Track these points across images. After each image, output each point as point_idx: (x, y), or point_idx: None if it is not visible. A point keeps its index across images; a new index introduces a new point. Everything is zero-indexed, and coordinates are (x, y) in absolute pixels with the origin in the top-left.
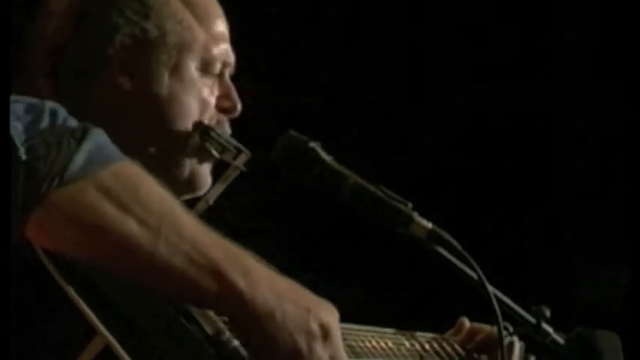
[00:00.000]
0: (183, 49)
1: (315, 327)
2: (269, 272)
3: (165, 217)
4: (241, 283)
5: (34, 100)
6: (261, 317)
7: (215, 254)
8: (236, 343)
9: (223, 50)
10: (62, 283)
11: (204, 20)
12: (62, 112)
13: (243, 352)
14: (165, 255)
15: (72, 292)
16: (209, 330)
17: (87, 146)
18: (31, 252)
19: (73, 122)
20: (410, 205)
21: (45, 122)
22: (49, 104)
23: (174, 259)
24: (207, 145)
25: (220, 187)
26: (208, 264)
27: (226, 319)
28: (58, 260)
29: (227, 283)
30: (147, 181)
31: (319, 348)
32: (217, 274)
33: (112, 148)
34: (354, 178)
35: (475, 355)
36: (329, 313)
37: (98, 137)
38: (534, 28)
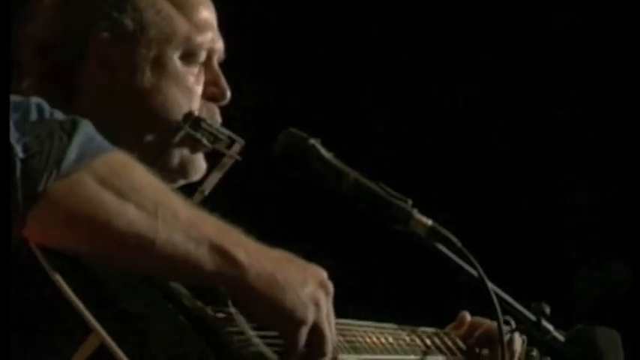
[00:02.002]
0: (163, 40)
1: (315, 283)
2: (258, 244)
3: (160, 200)
4: (241, 254)
5: (18, 98)
6: (264, 283)
7: (211, 230)
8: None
9: (208, 38)
10: (57, 280)
11: (185, 9)
12: (46, 105)
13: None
14: (165, 236)
15: (67, 290)
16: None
17: (78, 139)
18: (27, 250)
19: (59, 115)
20: (410, 202)
21: (33, 117)
22: (34, 99)
23: (174, 238)
24: (199, 135)
25: (216, 177)
26: (207, 240)
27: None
28: (53, 257)
29: (228, 257)
30: (138, 168)
31: (324, 301)
32: (217, 248)
33: (100, 139)
34: (354, 174)
35: (476, 349)
36: (321, 271)
37: (87, 129)
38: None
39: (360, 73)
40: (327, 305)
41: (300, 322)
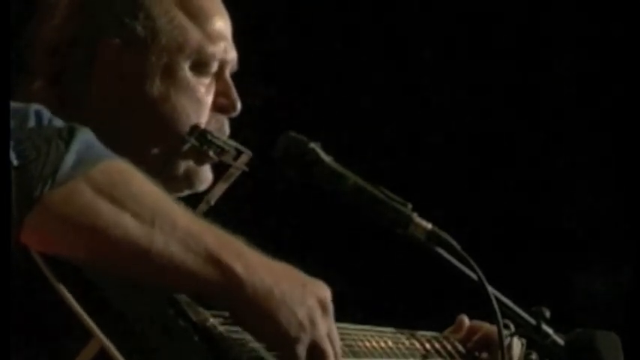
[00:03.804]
0: (174, 49)
1: (312, 301)
2: (259, 255)
3: (157, 209)
4: (238, 266)
5: (18, 104)
6: (261, 297)
7: (209, 240)
8: (222, 328)
9: (220, 49)
10: (58, 286)
11: (198, 18)
12: (46, 112)
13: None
14: (162, 246)
15: (67, 296)
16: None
17: (75, 146)
18: (27, 256)
19: (58, 122)
20: (410, 206)
21: (31, 125)
22: (34, 106)
23: (170, 248)
24: (205, 148)
25: (222, 188)
26: (204, 251)
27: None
28: (53, 263)
29: (225, 268)
30: (136, 176)
31: (320, 320)
32: (214, 260)
33: (99, 146)
34: (353, 178)
35: (476, 353)
36: (323, 289)
37: (85, 136)
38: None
39: (360, 73)
40: (325, 323)
41: (294, 340)
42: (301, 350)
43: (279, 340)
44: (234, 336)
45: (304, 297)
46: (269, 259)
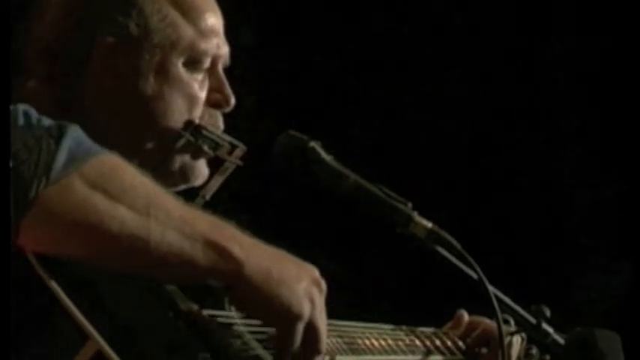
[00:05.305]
0: (167, 47)
1: (309, 280)
2: (252, 239)
3: (151, 200)
4: (235, 249)
5: None
6: (260, 279)
7: (204, 226)
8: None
9: (213, 45)
10: (54, 288)
11: (190, 15)
12: (34, 112)
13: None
14: (159, 235)
15: (64, 298)
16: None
17: (66, 143)
18: (23, 257)
19: (46, 121)
20: (410, 204)
21: (20, 125)
22: (21, 107)
23: (167, 237)
24: (200, 143)
25: (217, 182)
26: (201, 236)
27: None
28: (48, 264)
29: (223, 251)
30: (128, 168)
31: (318, 298)
32: (211, 244)
33: (89, 142)
34: (353, 177)
35: (475, 349)
36: (314, 269)
37: (75, 133)
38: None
39: (360, 72)
40: (320, 302)
41: (297, 317)
42: (301, 327)
43: (281, 318)
44: (231, 333)
45: (300, 276)
46: (260, 243)
